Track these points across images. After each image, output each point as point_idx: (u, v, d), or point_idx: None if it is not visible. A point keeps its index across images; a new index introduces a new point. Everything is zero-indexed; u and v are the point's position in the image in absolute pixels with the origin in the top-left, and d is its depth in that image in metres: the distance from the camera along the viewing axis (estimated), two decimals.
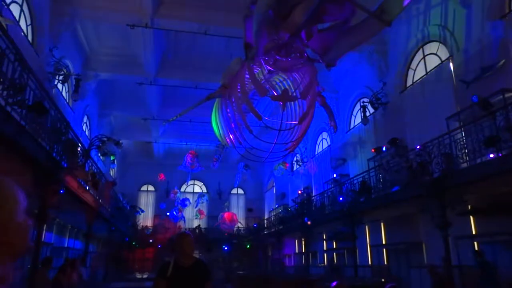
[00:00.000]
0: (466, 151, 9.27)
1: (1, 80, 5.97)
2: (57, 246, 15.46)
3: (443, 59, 12.80)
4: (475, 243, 10.55)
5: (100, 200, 14.29)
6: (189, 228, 30.76)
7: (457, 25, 11.98)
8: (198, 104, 6.43)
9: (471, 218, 10.67)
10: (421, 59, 14.19)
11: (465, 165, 9.27)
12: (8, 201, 0.98)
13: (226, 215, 25.32)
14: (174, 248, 3.53)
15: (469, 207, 10.48)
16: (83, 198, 11.38)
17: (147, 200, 33.14)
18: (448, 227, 9.19)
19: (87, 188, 12.02)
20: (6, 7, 10.29)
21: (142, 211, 29.72)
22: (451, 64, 12.24)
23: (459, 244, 10.56)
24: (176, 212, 27.06)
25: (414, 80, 14.36)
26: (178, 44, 18.52)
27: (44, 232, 8.97)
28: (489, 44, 10.66)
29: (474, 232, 10.59)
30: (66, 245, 17.17)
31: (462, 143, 9.42)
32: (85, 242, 15.44)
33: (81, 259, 12.18)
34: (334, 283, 4.89)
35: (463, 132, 9.68)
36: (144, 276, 22.63)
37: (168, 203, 28.91)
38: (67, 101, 16.41)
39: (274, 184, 31.48)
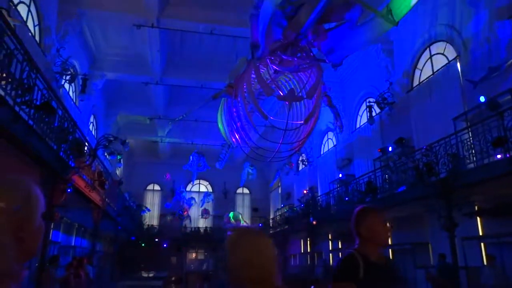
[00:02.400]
0: (473, 151, 9.20)
1: (10, 80, 6.03)
2: (64, 244, 15.59)
3: (450, 59, 12.70)
4: (482, 244, 10.48)
5: (107, 199, 14.38)
6: (194, 228, 30.82)
7: (464, 24, 11.88)
8: (204, 104, 6.46)
9: (478, 219, 10.60)
10: (428, 59, 14.09)
11: (472, 165, 9.21)
12: (33, 202, 1.06)
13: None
14: (359, 233, 2.32)
15: (476, 208, 10.41)
16: (90, 197, 11.46)
17: (153, 199, 33.26)
18: (455, 227, 9.13)
19: (94, 187, 12.10)
20: (14, 7, 10.38)
21: (148, 210, 29.86)
22: (458, 64, 12.14)
23: (465, 245, 10.49)
24: (181, 212, 27.13)
25: (421, 80, 14.27)
26: (184, 43, 18.57)
27: (51, 230, 9.05)
28: (496, 44, 10.56)
29: (481, 233, 10.52)
30: (73, 244, 17.30)
31: (469, 143, 9.35)
32: (92, 241, 15.54)
33: (88, 257, 12.27)
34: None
35: (470, 133, 9.61)
36: (150, 275, 22.73)
37: (173, 203, 29.07)
38: (74, 101, 16.52)
39: (280, 184, 31.45)
